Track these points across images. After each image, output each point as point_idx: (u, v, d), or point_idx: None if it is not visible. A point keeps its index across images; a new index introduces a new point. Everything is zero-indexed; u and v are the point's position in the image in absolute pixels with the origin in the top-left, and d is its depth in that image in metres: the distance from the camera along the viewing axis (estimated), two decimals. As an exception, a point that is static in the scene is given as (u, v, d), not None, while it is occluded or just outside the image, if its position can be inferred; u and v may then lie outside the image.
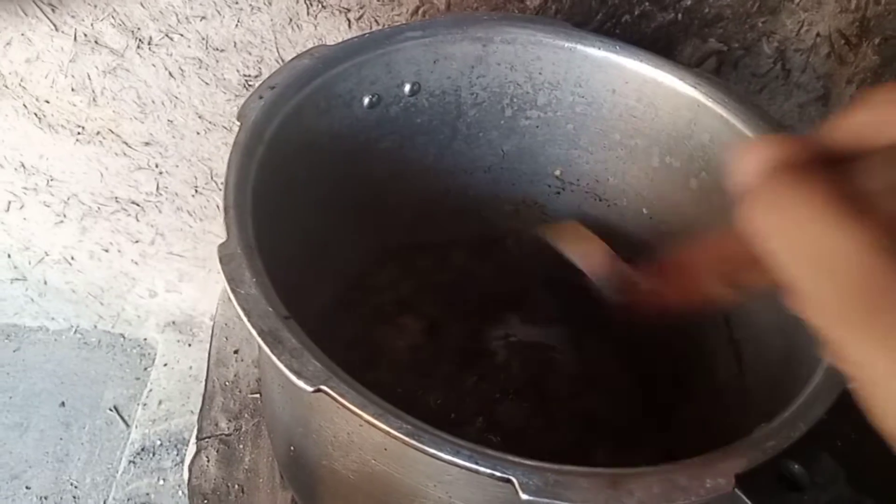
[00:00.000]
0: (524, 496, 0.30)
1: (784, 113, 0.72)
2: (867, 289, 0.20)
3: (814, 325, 0.22)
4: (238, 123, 0.42)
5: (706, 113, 0.50)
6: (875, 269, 0.20)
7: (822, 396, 0.36)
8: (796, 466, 0.35)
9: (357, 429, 0.33)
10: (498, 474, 0.30)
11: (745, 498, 0.33)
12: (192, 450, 0.58)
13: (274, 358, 0.32)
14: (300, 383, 0.31)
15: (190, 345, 0.94)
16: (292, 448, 0.43)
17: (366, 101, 0.51)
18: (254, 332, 0.32)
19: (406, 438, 0.30)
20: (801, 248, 0.22)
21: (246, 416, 0.57)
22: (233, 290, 0.34)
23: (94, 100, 0.75)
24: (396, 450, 0.34)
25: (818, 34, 0.67)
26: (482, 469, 0.30)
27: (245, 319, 0.33)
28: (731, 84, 0.51)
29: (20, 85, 0.74)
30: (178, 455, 0.84)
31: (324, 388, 0.31)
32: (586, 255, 0.50)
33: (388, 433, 0.31)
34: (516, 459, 0.31)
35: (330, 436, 0.37)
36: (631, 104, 0.53)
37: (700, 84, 0.50)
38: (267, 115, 0.43)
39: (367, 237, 0.60)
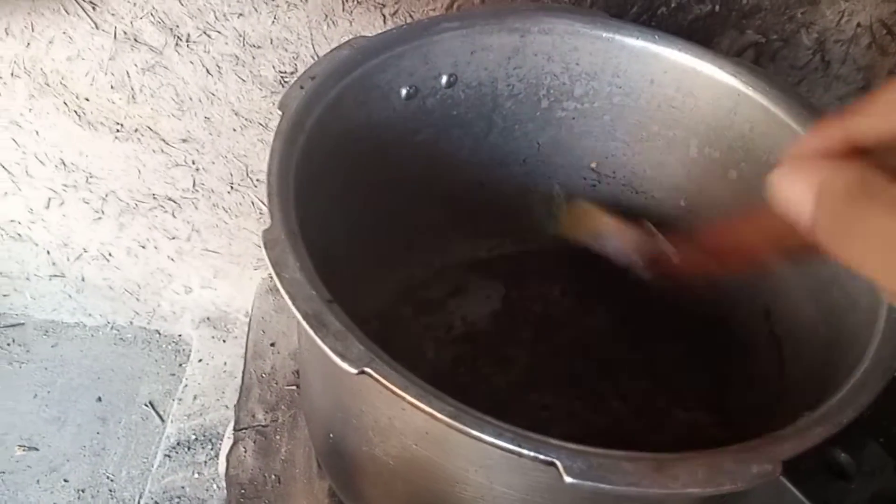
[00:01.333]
0: (568, 479, 0.29)
1: (824, 105, 0.71)
2: None
3: None
4: (280, 113, 0.42)
5: (747, 102, 0.50)
6: None
7: (869, 384, 0.35)
8: (843, 455, 0.35)
9: (399, 412, 0.33)
10: (542, 457, 0.30)
11: (791, 485, 0.33)
12: (228, 441, 0.59)
13: (318, 340, 0.32)
14: (344, 365, 0.31)
15: (224, 341, 0.95)
16: (331, 435, 0.44)
17: (403, 92, 0.52)
18: (298, 315, 0.33)
19: (449, 420, 0.30)
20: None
21: (283, 407, 0.57)
22: (277, 275, 0.34)
23: (132, 97, 0.76)
24: (438, 433, 0.34)
25: (859, 24, 0.65)
26: (525, 452, 0.30)
27: (290, 303, 0.33)
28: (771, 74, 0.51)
29: (61, 83, 0.75)
30: (212, 449, 0.84)
31: (367, 369, 0.31)
32: (607, 240, 0.49)
33: (430, 415, 0.31)
34: (559, 443, 0.31)
35: (371, 420, 0.37)
36: (669, 94, 0.53)
37: (740, 73, 0.50)
38: (308, 105, 0.43)
39: (401, 228, 0.60)
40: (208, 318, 0.97)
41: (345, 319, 0.33)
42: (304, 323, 0.32)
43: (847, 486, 0.34)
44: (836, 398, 0.35)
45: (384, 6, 0.67)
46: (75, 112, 0.78)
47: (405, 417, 0.34)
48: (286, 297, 0.33)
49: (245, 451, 0.55)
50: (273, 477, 0.54)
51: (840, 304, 0.44)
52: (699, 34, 0.66)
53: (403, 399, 0.31)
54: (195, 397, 0.90)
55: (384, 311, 0.59)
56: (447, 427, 0.31)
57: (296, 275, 0.34)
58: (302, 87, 0.44)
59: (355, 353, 0.32)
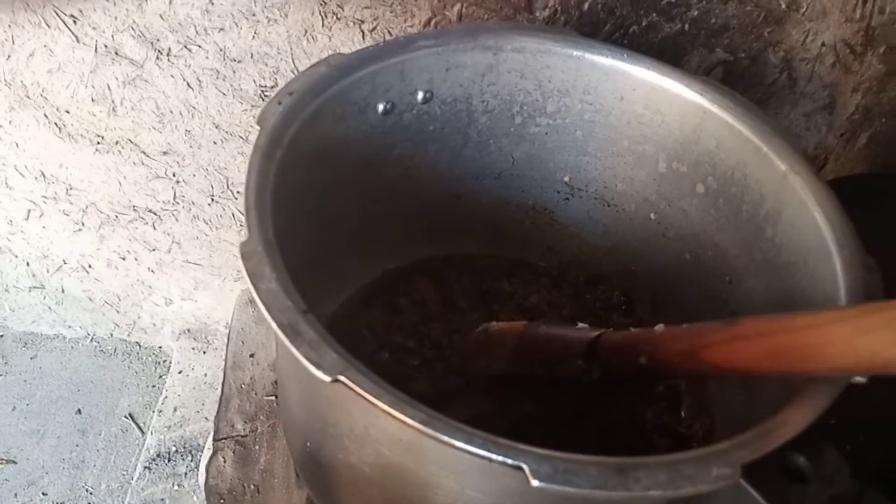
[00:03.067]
0: (535, 483, 0.30)
1: (791, 122, 0.73)
2: None
3: None
4: (258, 127, 0.43)
5: (712, 119, 0.52)
6: None
7: (826, 389, 0.36)
8: (801, 459, 0.36)
9: (373, 420, 0.34)
10: (510, 462, 0.31)
11: (750, 488, 0.34)
12: (208, 451, 0.59)
13: (293, 349, 0.33)
14: (319, 374, 0.32)
15: (205, 352, 0.95)
16: (308, 444, 0.44)
17: (380, 108, 0.53)
18: (274, 325, 0.33)
19: (420, 426, 0.31)
20: None
21: (261, 417, 0.58)
22: (254, 285, 0.35)
23: (113, 110, 0.76)
24: (411, 440, 0.34)
25: (823, 43, 0.68)
26: (494, 457, 0.31)
27: (266, 313, 0.34)
28: (736, 92, 0.52)
29: (41, 95, 0.76)
30: (192, 461, 0.84)
31: (341, 377, 0.32)
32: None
33: (403, 422, 0.32)
34: (527, 448, 0.32)
35: (346, 428, 0.38)
36: (638, 111, 0.55)
37: (706, 91, 0.52)
38: (285, 120, 0.44)
39: (378, 241, 0.61)
40: (188, 330, 0.97)
41: (319, 329, 0.34)
42: (279, 332, 0.33)
43: (805, 489, 0.36)
44: (795, 404, 0.36)
45: (363, 22, 0.68)
46: (55, 124, 0.78)
47: (379, 425, 0.35)
48: (262, 307, 0.34)
49: (224, 461, 0.56)
50: (252, 487, 0.54)
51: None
52: (669, 52, 0.68)
53: (377, 406, 0.32)
54: (175, 409, 0.90)
55: (353, 317, 0.60)
56: (419, 433, 0.32)
57: (272, 285, 0.35)
58: (280, 103, 0.45)
59: (329, 361, 0.33)
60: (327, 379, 0.32)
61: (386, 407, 0.32)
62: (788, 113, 0.72)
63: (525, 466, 0.31)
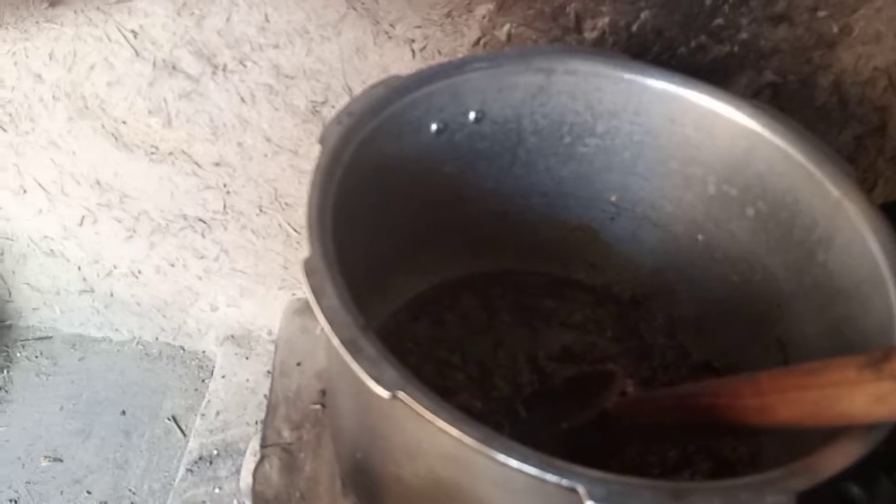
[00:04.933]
0: (590, 504, 0.31)
1: (840, 144, 0.72)
2: None
3: None
4: (309, 141, 0.45)
5: (763, 143, 0.52)
6: None
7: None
8: (855, 489, 0.36)
9: (427, 436, 0.35)
10: (565, 483, 0.32)
11: (805, 516, 0.34)
12: (251, 457, 0.61)
13: (354, 365, 0.34)
14: (378, 389, 0.33)
15: (247, 358, 0.97)
16: (358, 455, 0.45)
17: (433, 127, 0.54)
18: (336, 341, 0.34)
19: (477, 445, 0.32)
20: None
21: (307, 426, 0.59)
22: (317, 301, 0.36)
23: (169, 122, 0.79)
24: (464, 457, 0.35)
25: (875, 67, 0.67)
26: (549, 477, 0.32)
27: (328, 328, 0.35)
28: (787, 115, 0.52)
29: (100, 107, 0.78)
30: (233, 465, 0.86)
31: (400, 394, 0.33)
32: None
33: (459, 440, 0.32)
34: (582, 470, 0.32)
35: (399, 442, 0.39)
36: (689, 133, 0.55)
37: (758, 115, 0.52)
38: (345, 140, 0.46)
39: (425, 256, 0.62)
40: (232, 336, 0.99)
41: (379, 345, 0.35)
42: (341, 348, 0.34)
43: (859, 518, 0.36)
44: (850, 433, 0.36)
45: (413, 41, 0.69)
46: (112, 135, 0.81)
47: (433, 440, 0.36)
48: (324, 322, 0.35)
49: (270, 468, 0.57)
50: (297, 494, 0.56)
51: (854, 341, 0.45)
52: (718, 73, 0.68)
53: (433, 424, 0.32)
54: (217, 413, 0.92)
55: (400, 331, 0.61)
56: (474, 451, 0.32)
57: (333, 301, 0.36)
58: (340, 123, 0.46)
59: (389, 377, 0.34)
60: (386, 395, 0.33)
61: (443, 424, 0.32)
62: (837, 135, 0.72)
63: (580, 488, 0.31)
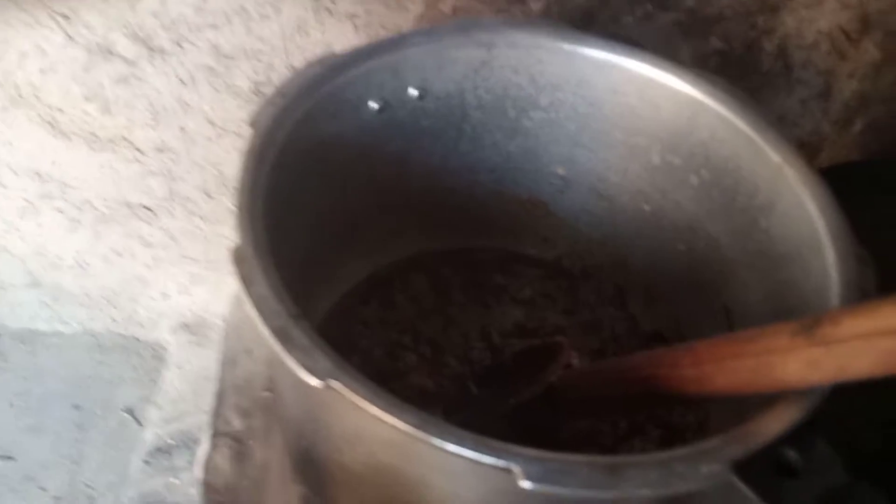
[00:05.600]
0: (525, 484, 0.31)
1: (786, 109, 0.73)
2: None
3: None
4: (251, 129, 0.43)
5: (705, 111, 0.51)
6: None
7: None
8: (792, 453, 0.36)
9: (365, 423, 0.34)
10: (501, 464, 0.31)
11: (742, 484, 0.34)
12: (205, 448, 0.60)
13: (284, 354, 0.33)
14: (309, 379, 0.32)
15: (202, 346, 0.95)
16: (303, 443, 0.45)
17: (374, 106, 0.53)
18: (265, 330, 0.34)
19: (412, 431, 0.32)
20: None
21: (257, 414, 0.58)
22: (246, 290, 0.35)
23: (107, 108, 0.76)
24: (403, 442, 0.35)
25: (819, 30, 0.67)
26: (485, 459, 0.31)
27: (257, 318, 0.34)
28: (729, 82, 0.52)
29: (34, 95, 0.75)
30: (191, 454, 0.85)
31: (332, 383, 0.32)
32: None
33: (394, 426, 0.32)
34: (518, 449, 0.32)
35: (339, 430, 0.38)
36: (632, 103, 0.54)
37: (699, 83, 0.51)
38: (278, 121, 0.44)
39: (373, 237, 0.61)
40: (185, 324, 0.98)
41: (311, 334, 0.34)
42: (270, 338, 0.33)
43: (797, 483, 0.36)
44: (785, 399, 0.36)
45: (356, 17, 0.68)
46: (49, 123, 0.78)
47: (371, 427, 0.35)
48: (254, 312, 0.34)
49: (221, 458, 0.56)
50: (248, 483, 0.55)
51: (794, 305, 0.45)
52: (665, 42, 0.68)
53: (367, 412, 0.32)
54: (173, 403, 0.90)
55: (349, 314, 0.60)
56: (411, 437, 0.32)
57: (263, 290, 0.35)
58: (273, 104, 0.45)
59: (321, 366, 0.33)
60: (319, 384, 0.32)
61: (377, 411, 0.32)
62: (784, 100, 0.72)
63: (515, 468, 0.31)
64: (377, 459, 0.37)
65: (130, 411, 0.95)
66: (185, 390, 0.91)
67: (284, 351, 0.33)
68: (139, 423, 0.94)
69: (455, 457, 0.32)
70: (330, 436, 0.40)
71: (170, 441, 0.86)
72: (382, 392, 0.33)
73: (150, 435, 0.88)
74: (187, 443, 0.87)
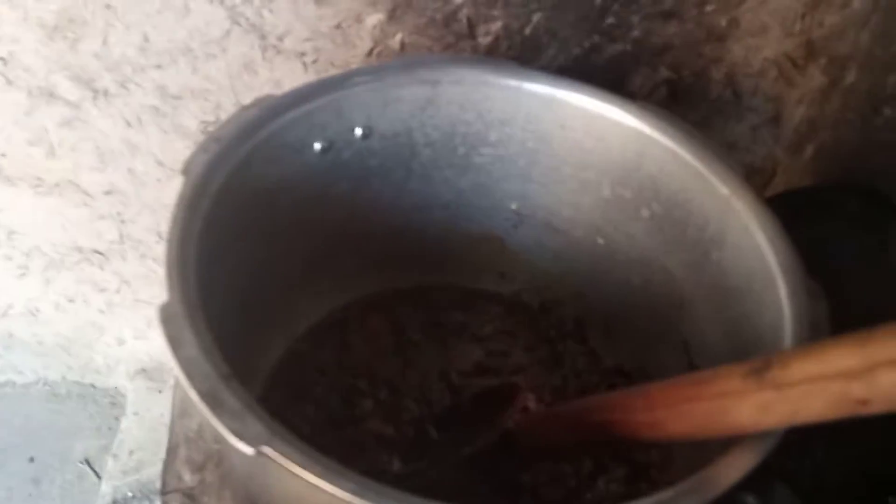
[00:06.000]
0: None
1: (737, 136, 0.73)
2: None
3: None
4: (182, 178, 0.42)
5: (653, 144, 0.51)
6: None
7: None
8: (751, 499, 0.35)
9: (303, 489, 0.33)
10: (446, 531, 0.30)
11: (699, 536, 0.33)
12: (158, 504, 0.57)
13: (214, 420, 0.31)
14: (241, 445, 0.31)
15: (161, 392, 0.93)
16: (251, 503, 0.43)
17: (317, 147, 0.52)
18: (193, 395, 0.32)
19: (351, 497, 0.30)
20: None
21: (210, 466, 0.56)
22: (173, 352, 0.33)
23: (52, 152, 0.74)
24: (346, 507, 0.33)
25: (765, 58, 0.68)
26: (429, 526, 0.30)
27: (186, 382, 0.32)
28: (676, 115, 0.52)
29: (-24, 140, 0.73)
30: (150, 506, 0.82)
31: (265, 449, 0.31)
32: None
33: (332, 494, 0.30)
34: (464, 512, 0.30)
35: (282, 494, 0.37)
36: (579, 138, 0.54)
37: (645, 117, 0.51)
38: (212, 169, 0.43)
39: (326, 278, 0.60)
40: (143, 370, 0.95)
41: (243, 396, 0.33)
42: (198, 403, 0.32)
43: (756, 530, 0.35)
44: (740, 444, 0.35)
45: (304, 55, 0.67)
46: (-8, 168, 0.76)
47: (311, 493, 0.34)
48: (181, 375, 0.33)
49: (173, 516, 0.54)
50: (201, 542, 0.53)
51: (749, 340, 0.45)
52: (614, 73, 0.68)
53: (302, 479, 0.30)
54: (131, 452, 0.88)
55: (303, 359, 0.59)
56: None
57: (192, 352, 0.33)
58: (206, 151, 0.43)
59: (252, 432, 0.31)
60: (250, 451, 0.31)
61: (313, 478, 0.30)
62: (734, 127, 0.72)
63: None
64: (323, 524, 0.36)
65: (88, 462, 0.92)
66: (144, 438, 0.88)
67: (214, 416, 0.31)
68: (97, 475, 0.91)
69: (399, 523, 0.30)
70: (272, 500, 0.38)
71: (128, 493, 0.84)
72: (318, 457, 0.31)
73: (108, 487, 0.85)
74: (146, 493, 0.84)
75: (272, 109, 0.48)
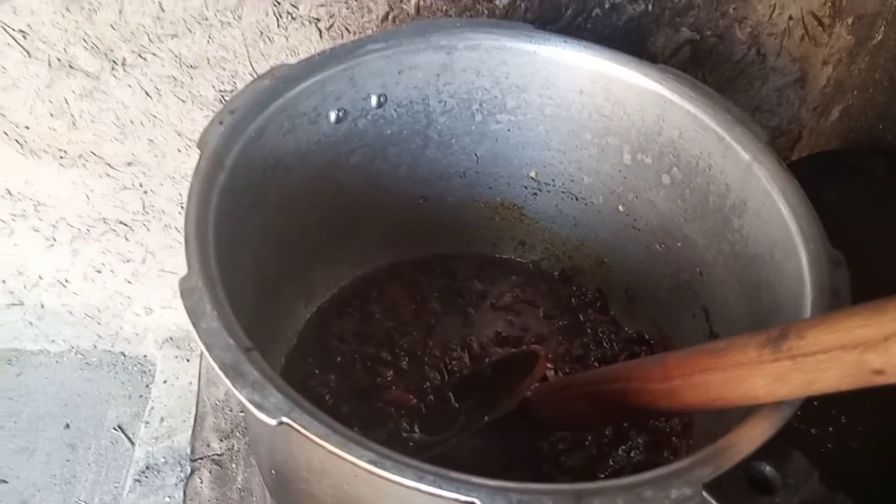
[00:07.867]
0: (488, 517, 0.30)
1: (762, 98, 0.71)
2: None
3: None
4: (199, 151, 0.42)
5: (673, 108, 0.50)
6: None
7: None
8: (768, 468, 0.35)
9: (325, 457, 0.33)
10: (462, 498, 0.30)
11: (715, 503, 0.33)
12: (186, 471, 0.59)
13: (236, 391, 0.32)
14: (263, 416, 0.31)
15: (189, 360, 0.94)
16: (273, 471, 0.44)
17: (332, 116, 0.51)
18: (216, 366, 0.32)
19: (369, 467, 0.31)
20: None
21: (237, 434, 0.57)
22: (194, 325, 0.34)
23: (73, 123, 0.75)
24: (365, 476, 0.34)
25: (790, 17, 0.66)
26: (445, 494, 0.30)
27: (207, 353, 0.33)
28: (698, 77, 0.51)
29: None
30: (181, 471, 0.84)
31: (286, 419, 0.31)
32: None
33: (352, 462, 0.31)
34: (479, 481, 0.31)
35: (304, 462, 0.37)
36: (599, 103, 0.53)
37: (666, 79, 0.50)
38: (227, 141, 0.43)
39: (345, 249, 0.60)
40: (171, 338, 0.96)
41: (264, 368, 0.33)
42: (221, 374, 0.32)
43: (772, 499, 0.35)
44: (757, 414, 0.35)
45: (319, 20, 0.66)
46: (16, 141, 0.76)
47: (333, 462, 0.34)
48: (203, 347, 0.33)
49: (201, 482, 0.55)
50: (229, 506, 0.54)
51: (769, 308, 0.44)
52: (635, 34, 0.66)
53: (323, 448, 0.31)
54: (162, 419, 0.89)
55: (325, 329, 0.59)
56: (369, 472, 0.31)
57: (213, 324, 0.34)
58: (221, 123, 0.43)
59: (273, 403, 0.32)
60: (272, 422, 0.31)
61: (334, 448, 0.31)
62: (759, 89, 0.71)
63: (478, 501, 0.30)
64: (344, 491, 0.36)
65: (122, 428, 0.94)
66: (173, 406, 0.90)
67: (235, 388, 0.32)
68: (130, 441, 0.93)
69: (416, 491, 0.31)
70: (296, 467, 0.39)
71: (160, 459, 0.85)
72: (338, 427, 0.32)
73: (141, 453, 0.86)
74: (178, 459, 0.86)
75: (285, 79, 0.48)
